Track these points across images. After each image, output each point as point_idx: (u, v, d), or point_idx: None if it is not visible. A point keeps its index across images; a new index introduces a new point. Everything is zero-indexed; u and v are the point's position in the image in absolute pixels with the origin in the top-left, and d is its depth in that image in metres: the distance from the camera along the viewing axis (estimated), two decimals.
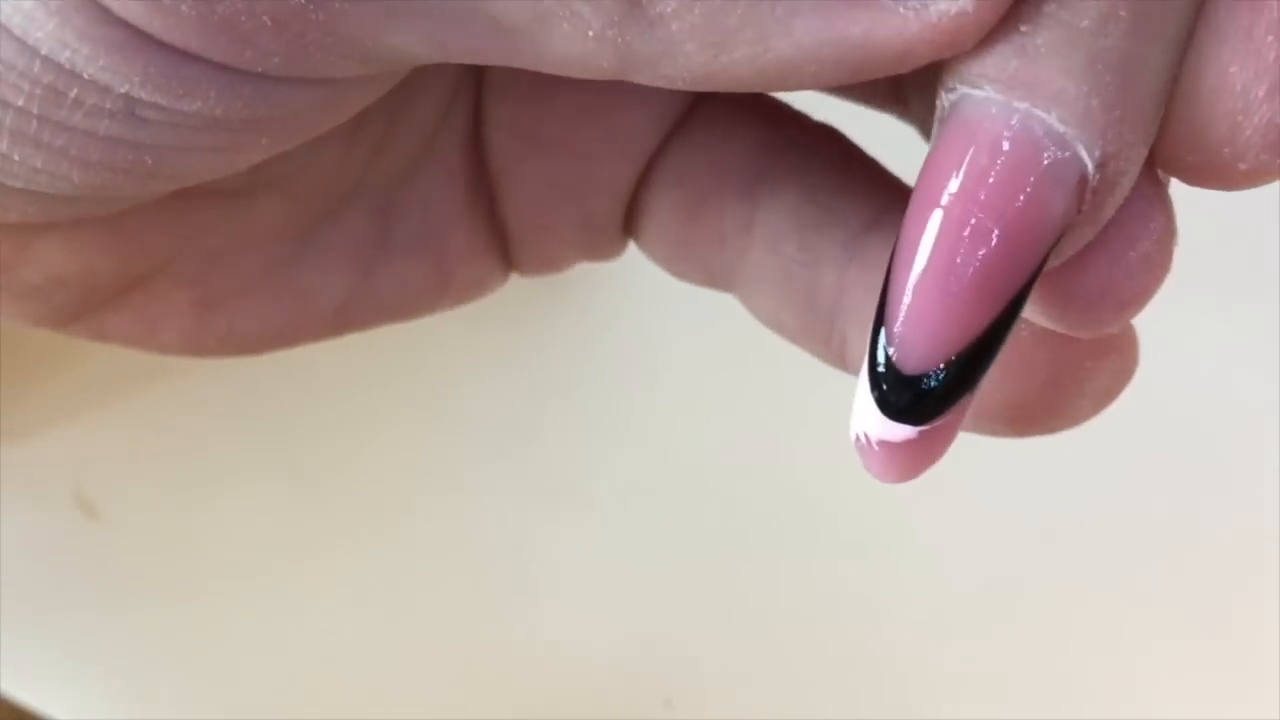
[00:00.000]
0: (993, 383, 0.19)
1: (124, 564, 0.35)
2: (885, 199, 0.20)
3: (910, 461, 0.16)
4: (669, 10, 0.15)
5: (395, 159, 0.21)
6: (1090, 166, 0.15)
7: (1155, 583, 0.35)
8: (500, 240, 0.23)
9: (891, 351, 0.15)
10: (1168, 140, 0.15)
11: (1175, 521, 0.35)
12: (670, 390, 0.37)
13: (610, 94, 0.21)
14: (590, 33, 0.15)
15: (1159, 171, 0.16)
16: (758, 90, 0.16)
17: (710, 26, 0.15)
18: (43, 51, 0.15)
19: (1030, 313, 0.16)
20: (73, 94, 0.15)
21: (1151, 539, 0.35)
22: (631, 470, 0.36)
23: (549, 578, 0.36)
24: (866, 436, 0.16)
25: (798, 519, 0.36)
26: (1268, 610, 0.34)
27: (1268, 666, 0.33)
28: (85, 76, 0.15)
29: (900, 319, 0.15)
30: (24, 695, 0.34)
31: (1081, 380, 0.19)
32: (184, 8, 0.15)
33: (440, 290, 0.23)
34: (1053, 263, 0.15)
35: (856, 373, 0.19)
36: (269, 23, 0.15)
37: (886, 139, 0.21)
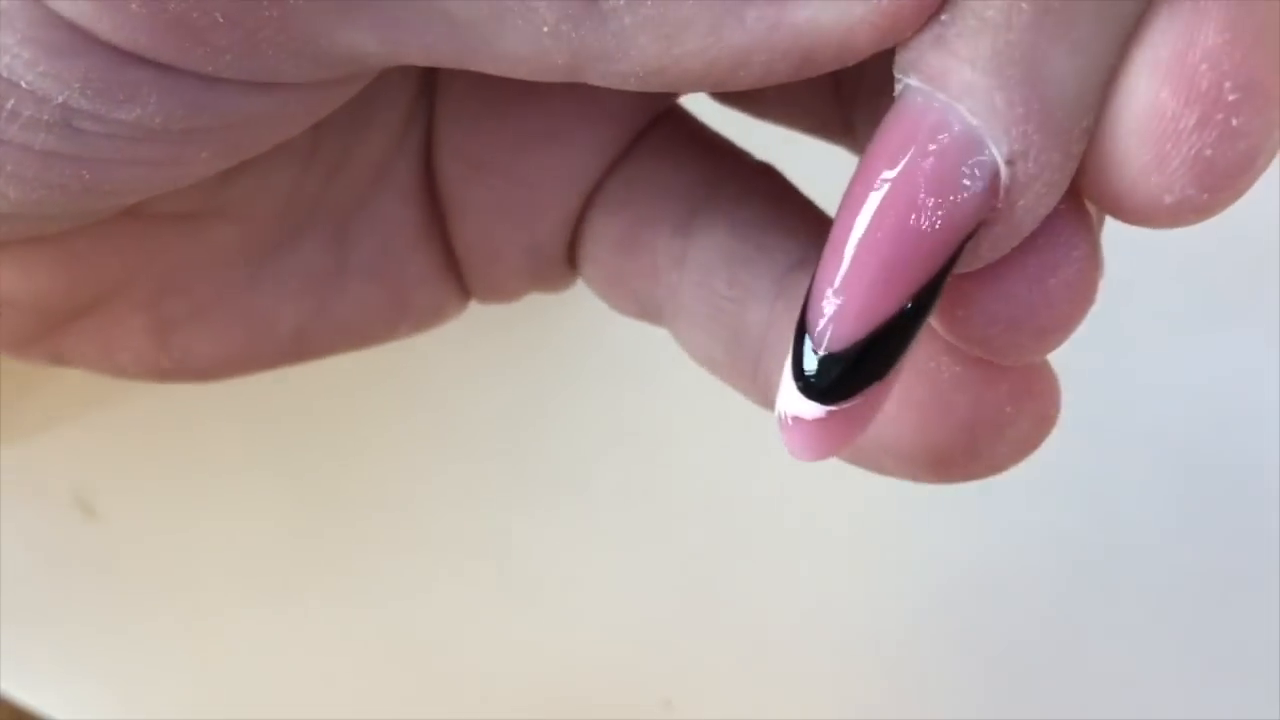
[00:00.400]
0: (912, 425, 0.19)
1: (124, 564, 0.35)
2: (816, 238, 0.20)
3: (821, 441, 0.17)
4: (623, 3, 0.15)
5: (350, 184, 0.21)
6: (1001, 163, 0.15)
7: (1155, 583, 0.35)
8: (456, 266, 0.23)
9: (810, 331, 0.16)
10: (1095, 165, 0.15)
11: (1175, 523, 0.35)
12: (669, 390, 0.37)
13: (558, 122, 0.21)
14: (545, 29, 0.15)
15: (1088, 203, 0.16)
16: (706, 88, 0.16)
17: (664, 18, 0.15)
18: None
19: (956, 337, 0.17)
20: (9, 105, 0.15)
21: (1151, 541, 0.35)
22: (631, 470, 0.36)
23: (548, 578, 0.36)
24: (785, 414, 0.17)
25: (798, 519, 0.36)
26: (1268, 610, 0.34)
27: (1267, 666, 0.33)
28: (23, 85, 0.15)
29: (821, 297, 0.16)
30: (24, 695, 0.34)
31: (1001, 425, 0.19)
32: (134, 5, 0.15)
33: (398, 316, 0.23)
34: (972, 262, 0.16)
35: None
36: (221, 19, 0.15)
37: (833, 181, 0.21)
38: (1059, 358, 0.21)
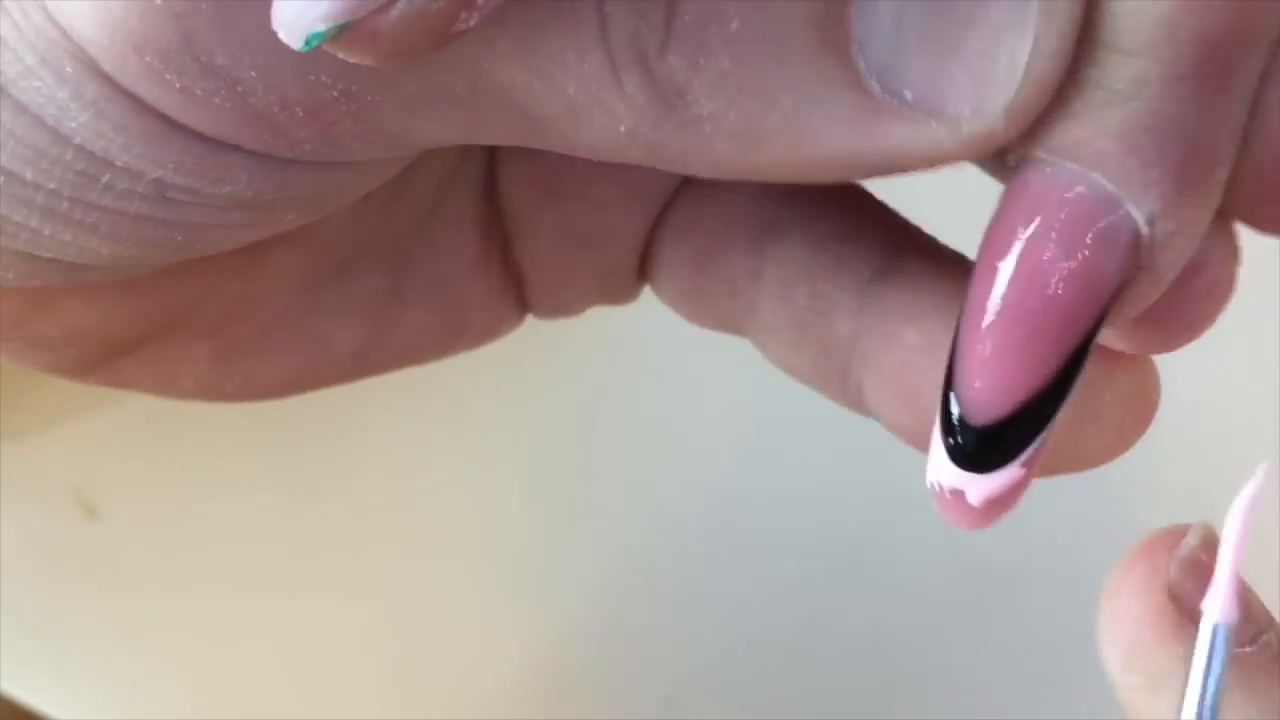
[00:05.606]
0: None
1: (124, 564, 0.35)
2: (895, 245, 0.20)
3: (979, 511, 0.17)
4: (704, 113, 0.15)
5: (408, 212, 0.21)
6: (1142, 223, 0.15)
7: None
8: (516, 286, 0.23)
9: (959, 403, 0.16)
10: (1243, 193, 0.15)
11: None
12: (670, 390, 0.37)
13: None
14: (622, 128, 0.15)
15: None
16: (780, 181, 0.16)
17: (745, 129, 0.15)
18: (75, 141, 0.15)
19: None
20: (104, 179, 0.15)
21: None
22: (631, 470, 0.36)
23: (548, 577, 0.36)
24: (940, 485, 0.17)
25: (798, 519, 0.36)
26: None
27: None
28: (118, 164, 0.15)
29: (967, 371, 0.16)
30: (24, 695, 0.34)
31: (1098, 412, 0.19)
32: (217, 100, 0.15)
33: (455, 336, 0.23)
34: (1116, 320, 0.16)
35: (872, 415, 0.20)
36: (301, 114, 0.15)
37: (901, 183, 0.21)
38: None
